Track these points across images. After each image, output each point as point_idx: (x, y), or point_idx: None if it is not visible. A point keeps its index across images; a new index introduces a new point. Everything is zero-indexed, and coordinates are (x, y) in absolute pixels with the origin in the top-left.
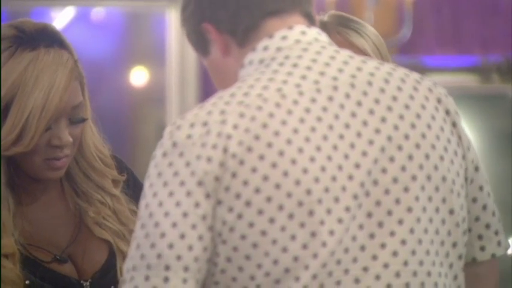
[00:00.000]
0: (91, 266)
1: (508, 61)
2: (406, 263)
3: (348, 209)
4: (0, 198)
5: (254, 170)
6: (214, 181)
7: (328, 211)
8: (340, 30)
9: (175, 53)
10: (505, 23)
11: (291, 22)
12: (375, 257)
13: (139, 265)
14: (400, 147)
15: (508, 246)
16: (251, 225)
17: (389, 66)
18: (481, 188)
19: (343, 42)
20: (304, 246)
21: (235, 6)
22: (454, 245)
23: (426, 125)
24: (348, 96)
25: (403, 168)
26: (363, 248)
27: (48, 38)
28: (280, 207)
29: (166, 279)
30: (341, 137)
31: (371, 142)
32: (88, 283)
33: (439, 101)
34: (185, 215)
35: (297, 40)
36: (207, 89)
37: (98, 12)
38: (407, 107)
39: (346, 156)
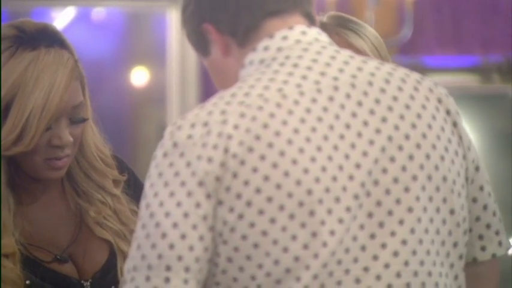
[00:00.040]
0: (92, 266)
1: (508, 61)
2: (406, 263)
3: (348, 209)
4: (0, 198)
5: (255, 170)
6: (215, 181)
7: (329, 211)
8: (339, 31)
9: (176, 53)
10: (505, 23)
11: (292, 22)
12: (375, 257)
13: (140, 265)
14: (400, 147)
15: (508, 246)
16: (252, 225)
17: (389, 66)
18: (481, 188)
19: (342, 43)
20: (305, 247)
21: (235, 7)
22: (455, 245)
23: (427, 125)
24: (348, 96)
25: (404, 168)
26: (363, 248)
27: (48, 38)
28: (281, 208)
29: (167, 280)
30: (341, 137)
31: (371, 142)
32: (88, 283)
33: (439, 101)
34: (186, 215)
35: (297, 40)
36: (207, 89)
37: (98, 12)
38: (407, 107)
39: (347, 156)
